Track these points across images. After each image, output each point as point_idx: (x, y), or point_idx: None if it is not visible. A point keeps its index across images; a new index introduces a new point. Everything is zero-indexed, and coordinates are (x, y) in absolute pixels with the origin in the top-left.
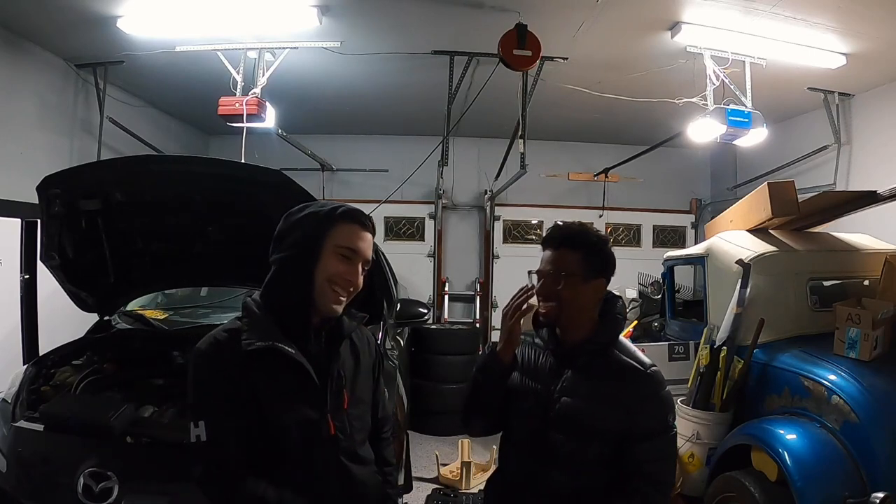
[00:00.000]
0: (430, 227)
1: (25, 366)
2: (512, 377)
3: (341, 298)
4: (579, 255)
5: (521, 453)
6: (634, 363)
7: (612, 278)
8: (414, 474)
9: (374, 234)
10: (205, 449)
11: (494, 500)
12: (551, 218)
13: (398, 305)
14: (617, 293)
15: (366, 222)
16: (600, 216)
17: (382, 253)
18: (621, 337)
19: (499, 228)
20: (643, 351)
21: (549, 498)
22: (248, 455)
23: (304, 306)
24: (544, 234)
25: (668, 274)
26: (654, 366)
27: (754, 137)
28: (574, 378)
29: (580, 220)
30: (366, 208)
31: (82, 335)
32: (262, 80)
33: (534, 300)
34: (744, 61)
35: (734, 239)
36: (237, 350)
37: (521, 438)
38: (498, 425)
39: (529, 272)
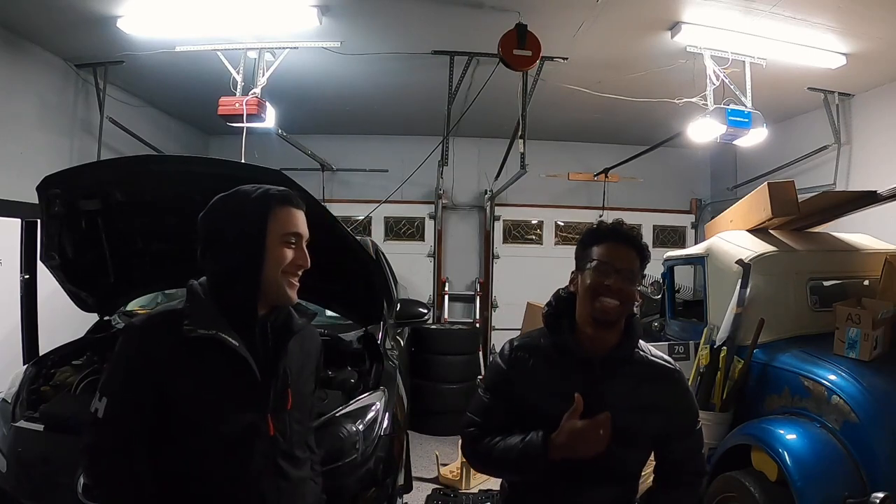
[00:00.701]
0: (430, 227)
1: (25, 366)
2: (529, 397)
3: (296, 283)
4: (639, 260)
5: (556, 474)
6: (664, 363)
7: None
8: (414, 474)
9: (303, 208)
10: (99, 425)
11: None
12: (551, 218)
13: (398, 305)
14: None
15: (298, 202)
16: (600, 216)
17: (382, 253)
18: (641, 342)
19: (499, 228)
20: None
21: None
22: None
23: (254, 301)
24: (602, 226)
25: (668, 274)
26: (677, 364)
27: (754, 137)
28: (613, 389)
29: (580, 220)
30: (366, 208)
31: (82, 335)
32: (262, 80)
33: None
34: (744, 61)
35: (734, 239)
36: (175, 334)
37: (569, 464)
38: None
39: (583, 263)
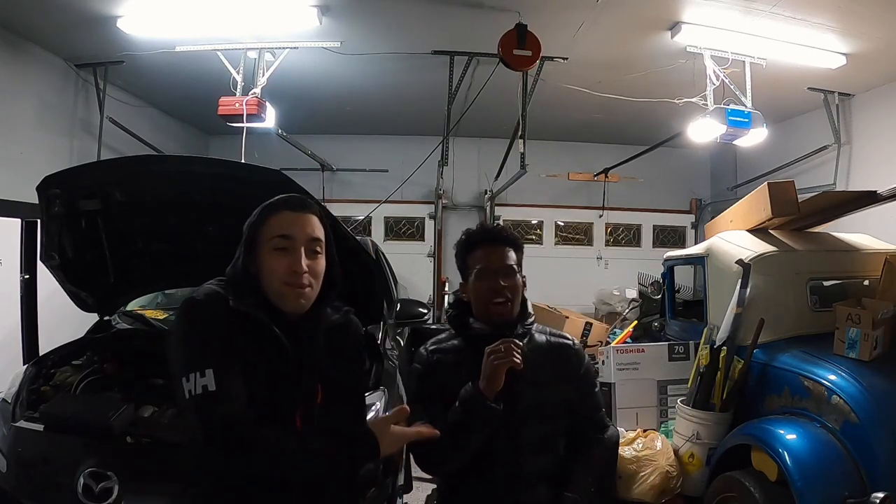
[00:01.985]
0: (430, 227)
1: (25, 366)
2: (454, 392)
3: (299, 291)
4: (515, 250)
5: (495, 453)
6: (564, 340)
7: (612, 278)
8: (414, 474)
9: (315, 211)
10: (214, 398)
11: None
12: (551, 218)
13: (398, 305)
14: (616, 292)
15: (297, 204)
16: (600, 216)
17: (382, 253)
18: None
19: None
20: (641, 350)
21: (528, 487)
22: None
23: (270, 309)
24: (470, 234)
25: (668, 274)
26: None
27: (754, 137)
28: (525, 367)
29: (580, 220)
30: (366, 208)
31: (82, 335)
32: (262, 80)
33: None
34: (744, 61)
35: (734, 239)
36: (233, 306)
37: (492, 440)
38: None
39: (465, 272)
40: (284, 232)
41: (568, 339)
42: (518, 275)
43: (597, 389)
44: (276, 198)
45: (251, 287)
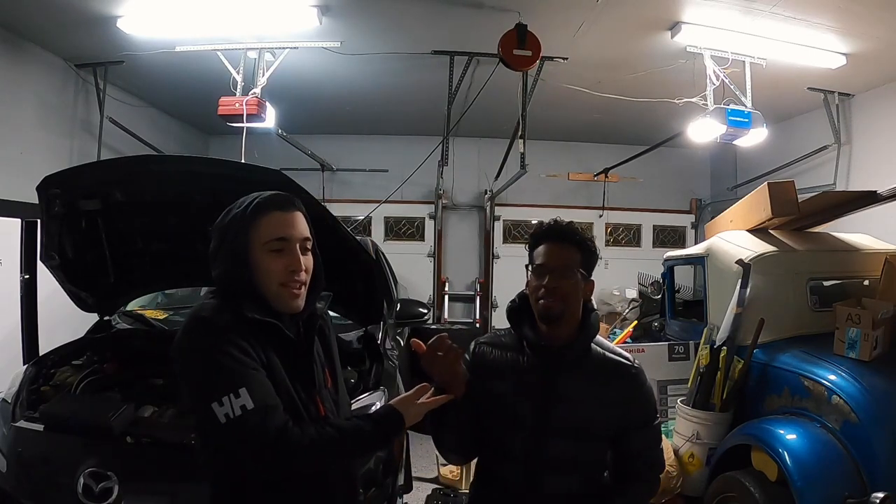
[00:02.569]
0: (430, 227)
1: (25, 366)
2: (491, 387)
3: (295, 292)
4: (580, 253)
5: (518, 464)
6: (621, 359)
7: (612, 278)
8: (414, 474)
9: (301, 208)
10: (259, 415)
11: None
12: (551, 218)
13: (398, 305)
14: (616, 292)
15: (284, 203)
16: (600, 216)
17: (382, 253)
18: (599, 337)
19: (499, 228)
20: (641, 350)
21: (550, 501)
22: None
23: (268, 309)
24: (539, 229)
25: (668, 274)
26: (635, 360)
27: (754, 137)
28: (568, 383)
29: (580, 220)
30: (366, 208)
31: (82, 335)
32: (262, 80)
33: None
34: (744, 61)
35: (734, 239)
36: (238, 317)
37: (517, 449)
38: (471, 448)
39: (527, 266)
40: (280, 234)
41: (626, 360)
42: (577, 278)
43: (655, 423)
44: (261, 196)
45: (247, 291)
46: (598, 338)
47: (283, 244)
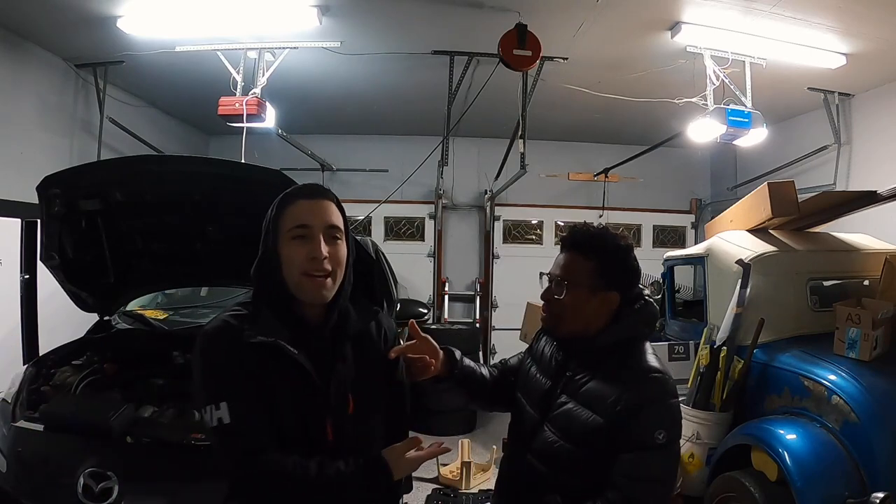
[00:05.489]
0: (430, 227)
1: (25, 366)
2: (525, 364)
3: (319, 281)
4: (591, 263)
5: (522, 443)
6: (634, 365)
7: None
8: (414, 474)
9: (332, 198)
10: (231, 431)
11: (499, 489)
12: (551, 218)
13: (398, 305)
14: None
15: (312, 193)
16: (600, 216)
17: (382, 253)
18: (649, 344)
19: (499, 228)
20: None
21: (539, 490)
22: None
23: (291, 306)
24: (563, 237)
25: (668, 274)
26: (659, 372)
27: (754, 137)
28: (576, 378)
29: (580, 220)
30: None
31: (82, 335)
32: (262, 80)
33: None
34: (744, 61)
35: (734, 239)
36: (244, 338)
37: (523, 429)
38: (495, 400)
39: (542, 274)
40: (301, 221)
41: (638, 366)
42: (575, 291)
43: (651, 450)
44: (292, 188)
45: (276, 285)
46: (645, 348)
47: (304, 231)
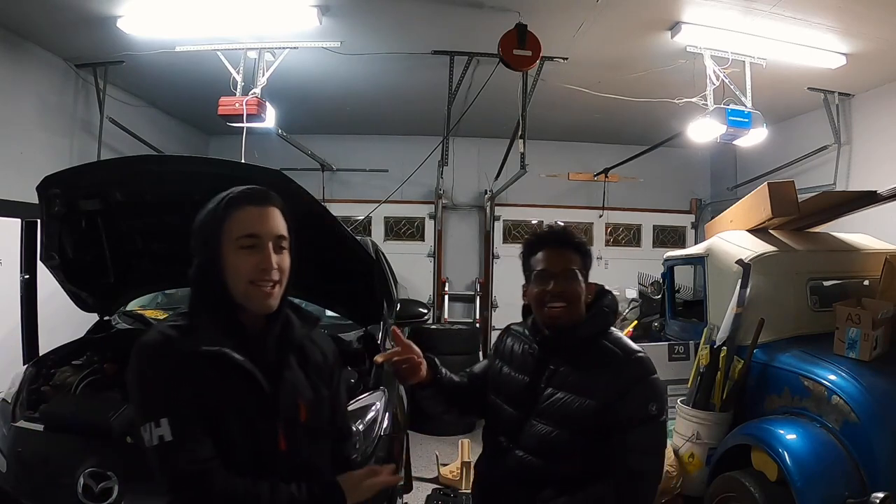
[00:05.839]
0: (430, 227)
1: (25, 366)
2: (494, 367)
3: (266, 291)
4: (580, 254)
5: (506, 442)
6: (617, 349)
7: (612, 278)
8: (414, 474)
9: (278, 204)
10: (173, 449)
11: (480, 483)
12: (551, 218)
13: (398, 305)
14: (616, 292)
15: (259, 198)
16: (600, 216)
17: (382, 253)
18: (614, 329)
19: (499, 228)
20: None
21: (530, 485)
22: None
23: (235, 315)
24: (535, 235)
25: (668, 274)
26: (640, 352)
27: (754, 137)
28: (560, 370)
29: (580, 220)
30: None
31: (82, 335)
32: (262, 80)
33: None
34: (744, 61)
35: (734, 239)
36: (185, 349)
37: (506, 427)
38: (465, 410)
39: (528, 273)
40: (251, 230)
41: (621, 349)
42: (580, 280)
43: (652, 424)
44: (235, 191)
45: (218, 290)
46: (616, 333)
47: (254, 241)
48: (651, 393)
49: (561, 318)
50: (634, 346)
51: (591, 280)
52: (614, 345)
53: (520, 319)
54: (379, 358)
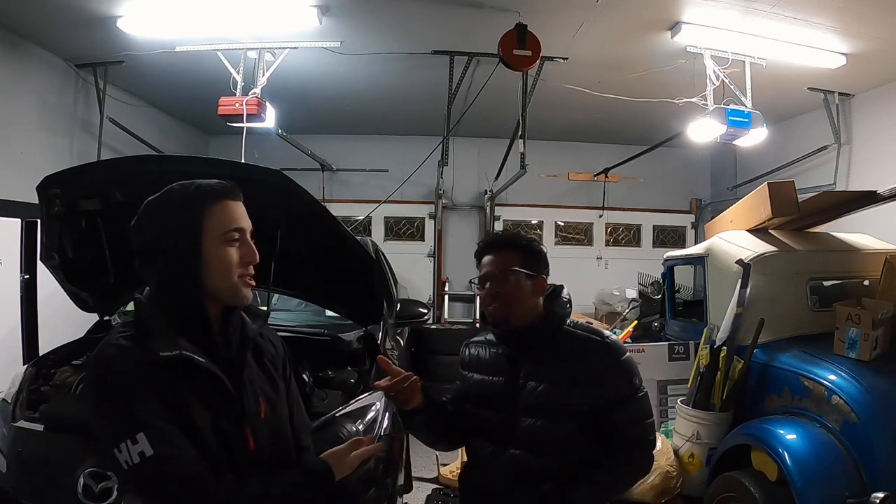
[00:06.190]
0: (430, 227)
1: (25, 366)
2: (467, 380)
3: (250, 282)
4: (521, 254)
5: (494, 444)
6: (590, 335)
7: (612, 278)
8: (414, 474)
9: (242, 198)
10: (158, 462)
11: (473, 494)
12: (551, 218)
13: (398, 305)
14: (616, 292)
15: (234, 192)
16: (600, 216)
17: (382, 253)
18: (573, 318)
19: (499, 228)
20: (641, 350)
21: (530, 482)
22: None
23: (203, 310)
24: (480, 242)
25: (668, 274)
26: (609, 336)
27: (754, 137)
28: (534, 364)
29: (580, 220)
30: (366, 208)
31: (82, 335)
32: (262, 80)
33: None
34: (744, 61)
35: (734, 239)
36: (143, 358)
37: (494, 432)
38: (450, 438)
39: (471, 281)
40: (237, 224)
41: (597, 336)
42: (521, 279)
43: (636, 397)
44: (207, 184)
45: (191, 284)
46: (575, 319)
47: (240, 233)
48: (631, 370)
49: (498, 316)
50: (601, 330)
51: (586, 279)
52: (582, 330)
53: None
54: (378, 385)
